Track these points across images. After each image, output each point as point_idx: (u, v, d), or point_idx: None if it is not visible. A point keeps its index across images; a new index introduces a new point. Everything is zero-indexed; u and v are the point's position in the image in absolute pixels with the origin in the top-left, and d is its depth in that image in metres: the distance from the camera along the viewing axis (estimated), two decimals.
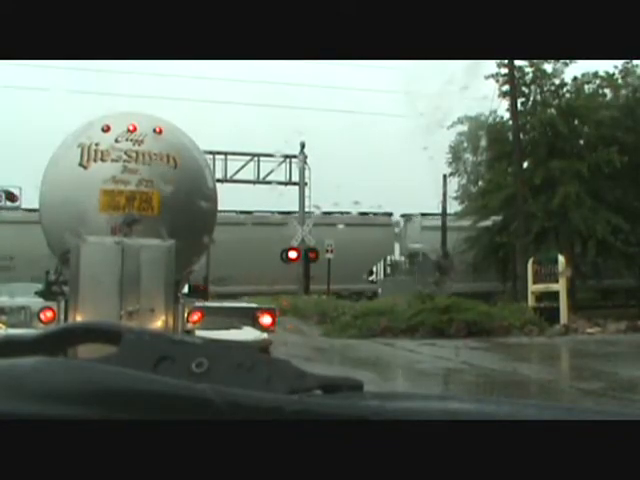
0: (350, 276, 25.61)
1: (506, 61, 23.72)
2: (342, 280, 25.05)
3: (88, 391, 0.64)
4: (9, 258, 21.42)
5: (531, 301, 20.38)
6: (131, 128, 6.25)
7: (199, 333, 5.86)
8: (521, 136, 24.94)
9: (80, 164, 6.17)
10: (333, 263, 24.84)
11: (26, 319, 5.67)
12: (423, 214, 30.04)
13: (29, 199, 21.53)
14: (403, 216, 30.85)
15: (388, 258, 30.51)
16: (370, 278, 28.95)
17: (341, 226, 26.28)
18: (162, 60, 1.43)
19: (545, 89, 26.00)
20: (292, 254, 24.26)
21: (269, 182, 26.88)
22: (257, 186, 26.89)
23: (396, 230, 30.74)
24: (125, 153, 6.18)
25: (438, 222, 27.83)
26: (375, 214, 28.94)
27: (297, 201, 26.60)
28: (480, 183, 29.23)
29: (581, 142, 25.76)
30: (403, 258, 31.22)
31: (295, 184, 26.64)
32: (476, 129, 27.10)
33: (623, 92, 26.01)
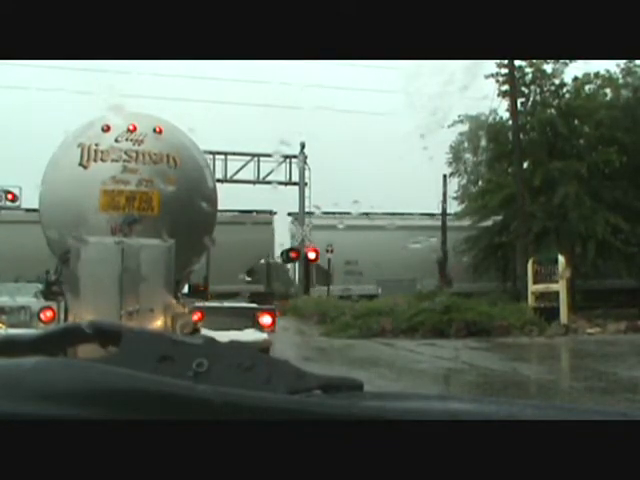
0: (227, 276, 24.79)
1: (506, 61, 23.74)
2: (218, 280, 24.26)
3: (88, 391, 0.64)
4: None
5: (531, 301, 20.38)
6: (131, 128, 6.25)
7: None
8: (521, 136, 24.94)
9: (80, 164, 6.17)
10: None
11: (26, 319, 5.67)
12: (307, 213, 28.20)
13: (29, 199, 21.53)
14: (290, 214, 29.22)
15: (268, 258, 29.05)
16: (248, 278, 27.91)
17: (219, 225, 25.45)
18: (162, 60, 1.43)
19: (545, 89, 26.00)
20: (292, 254, 24.26)
21: (269, 182, 26.87)
22: (257, 186, 26.87)
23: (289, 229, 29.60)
24: (125, 153, 6.17)
25: (328, 221, 27.12)
26: (258, 212, 27.86)
27: (297, 201, 26.62)
28: (480, 183, 29.24)
29: (581, 142, 25.77)
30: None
31: (295, 184, 26.65)
32: (476, 129, 27.11)
33: (623, 92, 26.01)
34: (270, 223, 28.39)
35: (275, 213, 28.54)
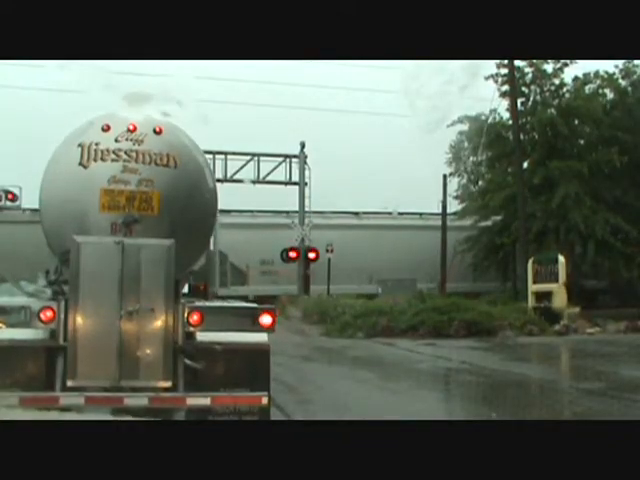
0: None
1: (506, 61, 23.73)
2: None
3: None
4: None
5: (531, 301, 20.39)
6: (131, 128, 6.23)
7: (201, 335, 5.85)
8: (521, 136, 24.94)
9: (80, 163, 6.15)
10: None
11: (26, 319, 5.66)
12: (222, 211, 27.81)
13: (29, 199, 21.53)
14: None
15: None
16: None
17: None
18: (162, 60, 1.43)
19: (545, 89, 26.01)
20: (292, 254, 24.28)
21: (269, 182, 26.89)
22: (257, 186, 26.84)
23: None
24: (125, 153, 6.16)
25: (238, 220, 26.64)
26: None
27: (297, 201, 26.60)
28: (480, 183, 29.25)
29: (581, 142, 25.77)
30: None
31: (295, 184, 26.64)
32: (476, 129, 27.11)
33: (623, 92, 26.02)
34: None
35: None
